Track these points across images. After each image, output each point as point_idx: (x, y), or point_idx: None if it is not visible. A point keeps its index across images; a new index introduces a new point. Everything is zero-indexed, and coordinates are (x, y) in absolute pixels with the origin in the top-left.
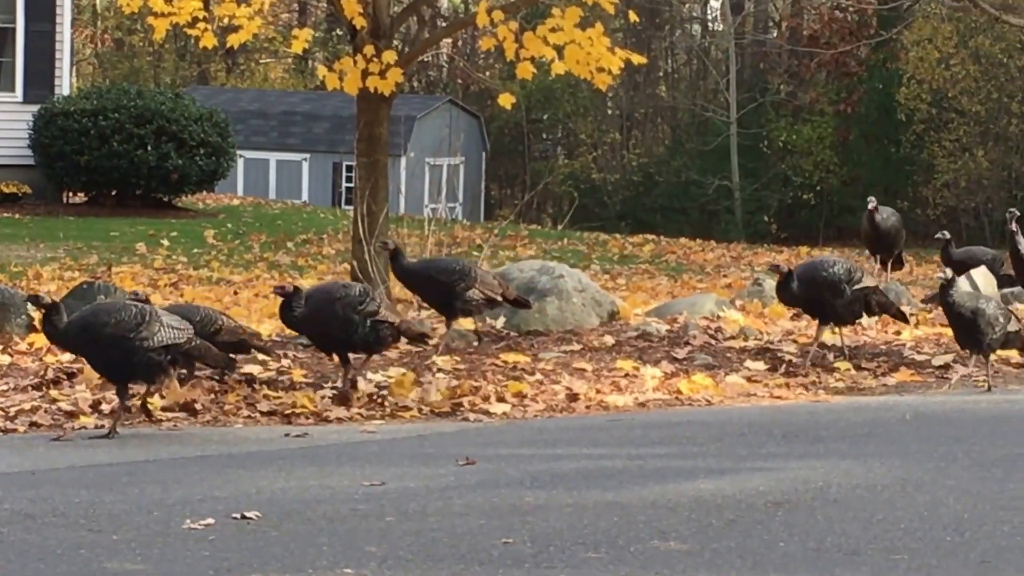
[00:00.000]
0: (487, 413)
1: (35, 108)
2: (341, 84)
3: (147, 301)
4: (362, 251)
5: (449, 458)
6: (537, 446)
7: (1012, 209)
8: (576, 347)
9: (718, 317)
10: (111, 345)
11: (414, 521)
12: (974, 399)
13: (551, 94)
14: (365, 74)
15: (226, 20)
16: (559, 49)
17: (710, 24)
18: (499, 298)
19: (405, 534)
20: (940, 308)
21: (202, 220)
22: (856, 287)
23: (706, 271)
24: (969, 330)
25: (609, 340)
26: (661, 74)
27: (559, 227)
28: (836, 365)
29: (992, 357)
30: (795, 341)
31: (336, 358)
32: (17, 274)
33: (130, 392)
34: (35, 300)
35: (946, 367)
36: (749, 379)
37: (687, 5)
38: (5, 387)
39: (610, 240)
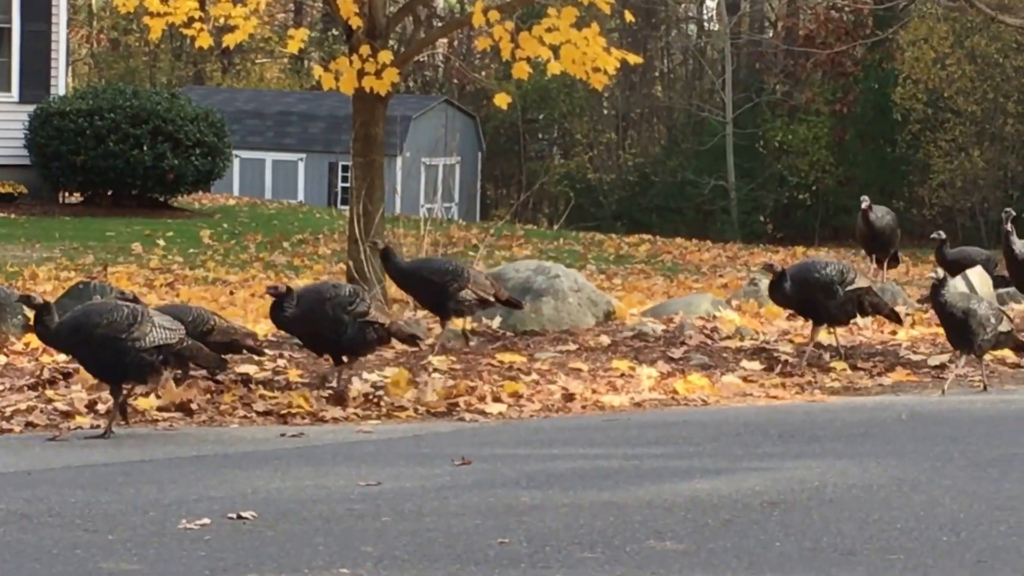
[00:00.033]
0: (483, 413)
1: (31, 108)
2: (337, 84)
3: (135, 300)
4: (358, 251)
5: (445, 458)
6: (533, 446)
7: (1008, 209)
8: (572, 347)
9: (714, 317)
10: (103, 346)
11: (410, 521)
12: (970, 399)
13: (547, 94)
14: (361, 74)
15: (222, 20)
16: (555, 49)
17: (706, 24)
18: (491, 299)
19: (401, 534)
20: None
21: (198, 220)
22: (849, 288)
23: (702, 271)
24: (960, 330)
25: (605, 340)
26: (657, 74)
27: (555, 227)
28: (832, 365)
29: (988, 357)
30: (791, 341)
31: (331, 359)
32: (13, 274)
33: (123, 391)
34: (26, 300)
35: (942, 367)
36: (745, 379)
37: (683, 5)
38: (1, 387)
39: (606, 240)
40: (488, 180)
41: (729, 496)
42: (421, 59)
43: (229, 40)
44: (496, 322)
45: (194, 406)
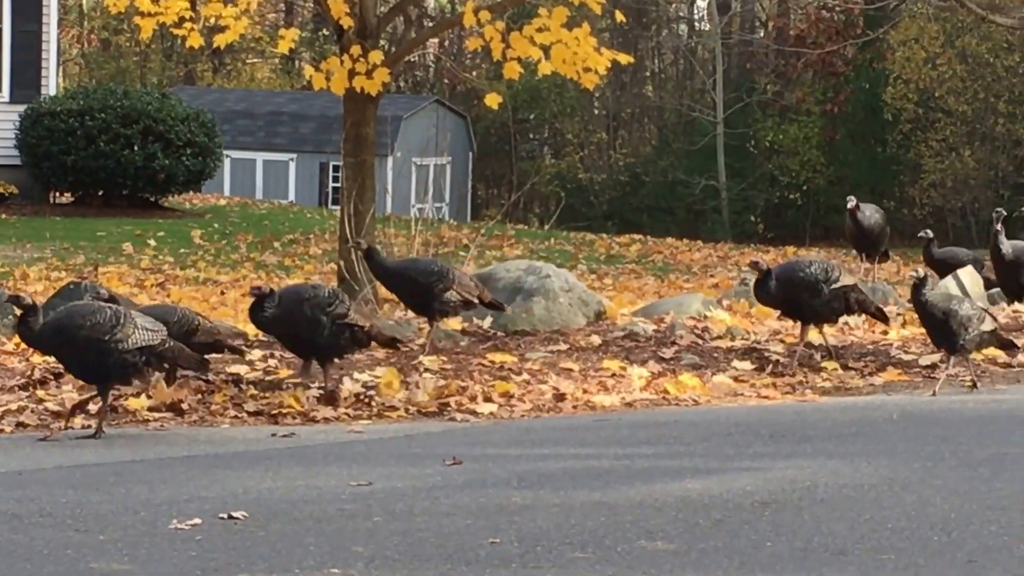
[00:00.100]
0: (474, 413)
1: (22, 108)
2: (328, 84)
3: (112, 300)
4: (349, 251)
5: (436, 458)
6: (524, 446)
7: (999, 208)
8: (563, 347)
9: (705, 317)
10: (87, 347)
11: (401, 521)
12: (961, 399)
13: (538, 94)
14: (352, 74)
15: (213, 20)
16: (546, 49)
17: (697, 24)
18: (475, 300)
19: (392, 534)
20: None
21: (189, 220)
22: (834, 286)
23: (693, 271)
24: (941, 330)
25: (596, 340)
26: (648, 74)
27: (546, 227)
28: (823, 365)
29: (979, 357)
30: (782, 341)
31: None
32: (4, 274)
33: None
34: (16, 300)
35: (933, 367)
36: (736, 379)
37: (673, 5)
38: None
39: (597, 240)
40: (479, 180)
41: (720, 496)
42: (412, 59)
43: (220, 40)
44: (487, 322)
45: (185, 406)
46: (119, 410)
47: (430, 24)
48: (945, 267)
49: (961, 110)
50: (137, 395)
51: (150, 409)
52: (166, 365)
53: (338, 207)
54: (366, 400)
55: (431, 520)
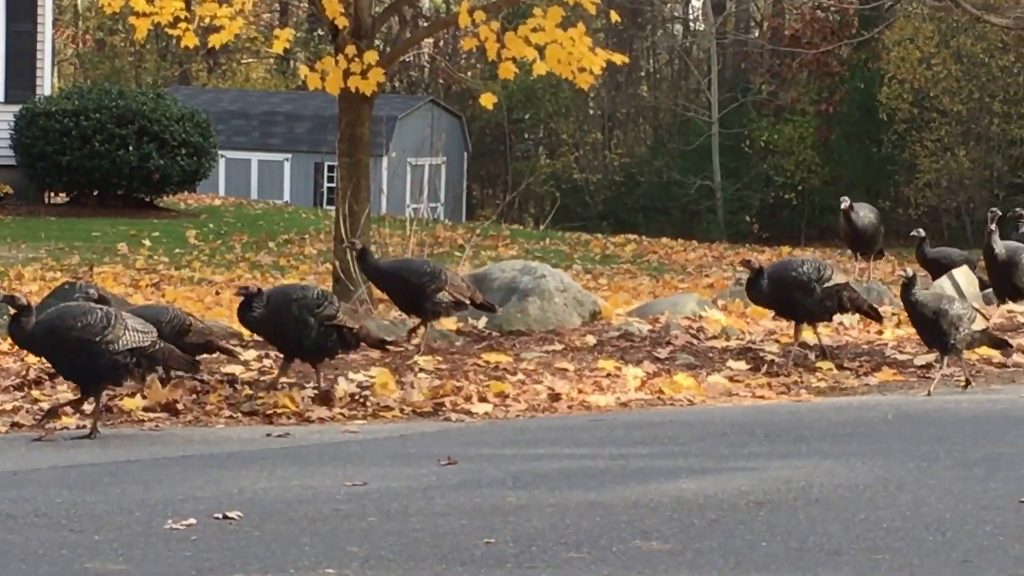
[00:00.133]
0: (469, 413)
1: (16, 108)
2: (323, 84)
3: (101, 300)
4: (344, 251)
5: (431, 458)
6: (519, 446)
7: (994, 208)
8: (558, 347)
9: (700, 317)
10: (78, 349)
11: (396, 521)
12: (956, 399)
13: (533, 94)
14: (347, 74)
15: (208, 20)
16: (541, 49)
17: (692, 24)
18: (467, 301)
19: (387, 534)
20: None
21: (184, 220)
22: (827, 285)
23: (688, 271)
24: (932, 330)
25: (591, 340)
26: (643, 74)
27: (541, 227)
28: (818, 365)
29: (974, 356)
30: (777, 341)
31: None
32: None
33: (104, 391)
34: (11, 300)
35: (928, 367)
36: (731, 379)
37: (668, 5)
38: None
39: (592, 240)
40: (474, 180)
41: (715, 496)
42: (407, 59)
43: (215, 40)
44: (482, 322)
45: (180, 406)
46: (114, 410)
47: (425, 24)
48: (938, 267)
49: (956, 110)
50: (132, 395)
51: (145, 409)
52: (158, 367)
53: (333, 207)
54: (361, 400)
55: (426, 520)
